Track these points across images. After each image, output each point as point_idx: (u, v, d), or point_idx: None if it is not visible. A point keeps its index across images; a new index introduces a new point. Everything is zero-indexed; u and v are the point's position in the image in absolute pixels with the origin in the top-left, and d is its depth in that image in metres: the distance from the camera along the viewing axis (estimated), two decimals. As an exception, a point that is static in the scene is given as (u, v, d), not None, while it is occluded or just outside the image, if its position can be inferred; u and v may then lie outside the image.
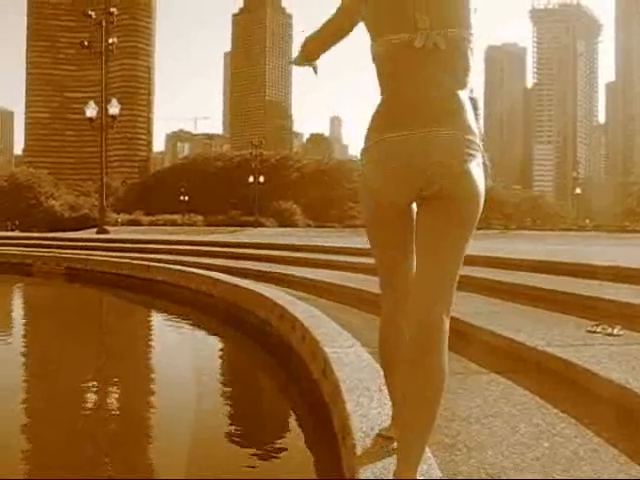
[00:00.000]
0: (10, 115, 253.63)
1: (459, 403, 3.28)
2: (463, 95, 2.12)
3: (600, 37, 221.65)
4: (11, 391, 5.54)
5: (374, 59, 2.22)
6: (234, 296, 9.11)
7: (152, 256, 15.56)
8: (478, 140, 2.11)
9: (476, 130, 2.12)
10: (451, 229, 2.09)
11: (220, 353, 7.89)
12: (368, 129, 2.19)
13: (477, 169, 2.08)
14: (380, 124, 2.15)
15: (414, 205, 2.23)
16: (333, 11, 2.41)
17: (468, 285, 7.29)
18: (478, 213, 2.12)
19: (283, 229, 43.87)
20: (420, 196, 2.11)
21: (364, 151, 2.22)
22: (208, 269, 11.89)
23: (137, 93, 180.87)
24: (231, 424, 4.75)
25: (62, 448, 4.20)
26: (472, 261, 9.51)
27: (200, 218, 58.54)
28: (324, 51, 2.54)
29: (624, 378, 3.24)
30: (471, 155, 2.06)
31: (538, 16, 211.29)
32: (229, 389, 5.93)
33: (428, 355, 2.02)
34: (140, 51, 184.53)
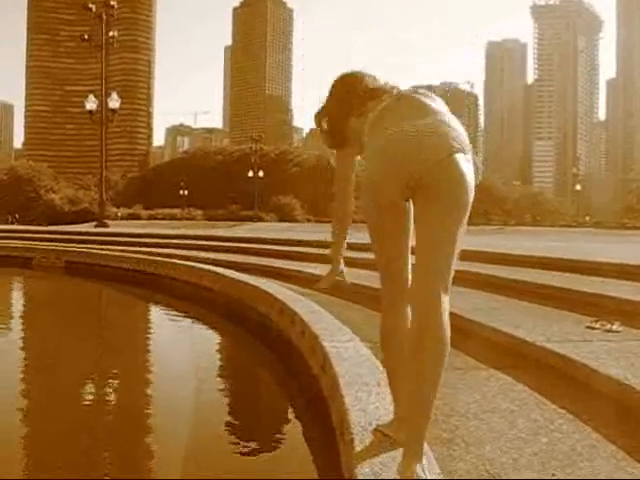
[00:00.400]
0: (10, 108, 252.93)
1: (458, 398, 3.29)
2: (437, 103, 2.32)
3: (601, 33, 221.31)
4: (10, 384, 5.55)
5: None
6: (235, 291, 9.11)
7: (152, 250, 15.55)
8: (465, 138, 2.21)
9: (461, 130, 2.23)
10: (439, 213, 2.20)
11: (220, 347, 7.90)
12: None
13: (465, 162, 2.19)
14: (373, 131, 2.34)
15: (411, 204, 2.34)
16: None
17: (468, 281, 7.30)
18: (466, 200, 2.22)
19: (283, 224, 43.83)
20: (413, 184, 2.20)
21: (367, 147, 2.33)
22: (208, 263, 11.89)
23: (137, 87, 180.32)
24: (230, 418, 4.76)
25: (60, 441, 4.21)
26: (472, 257, 9.52)
27: (200, 212, 58.40)
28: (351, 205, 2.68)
29: (623, 374, 3.24)
30: (457, 147, 2.17)
31: (539, 12, 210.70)
32: (228, 383, 5.94)
33: (429, 329, 2.14)
34: (140, 45, 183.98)
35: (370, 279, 7.12)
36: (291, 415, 4.73)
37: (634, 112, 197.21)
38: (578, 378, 3.49)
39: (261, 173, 56.58)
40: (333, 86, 2.59)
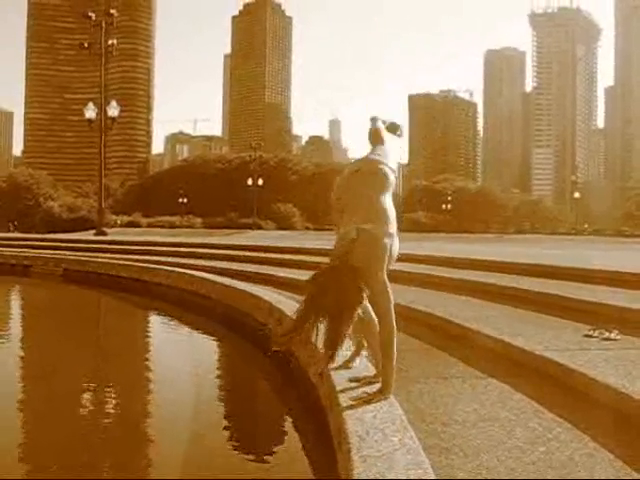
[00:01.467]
0: (9, 116, 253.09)
1: (456, 407, 3.28)
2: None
3: (599, 42, 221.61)
4: (9, 392, 5.54)
5: None
6: (232, 299, 9.10)
7: (150, 258, 15.54)
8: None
9: None
10: None
11: (218, 356, 7.88)
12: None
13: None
14: None
15: None
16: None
17: (465, 289, 7.30)
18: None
19: (282, 232, 43.84)
20: None
21: None
22: (207, 272, 11.88)
23: (136, 94, 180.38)
24: (228, 426, 4.75)
25: (60, 449, 4.20)
26: (469, 265, 9.52)
27: (199, 220, 58.45)
28: None
29: (621, 383, 3.24)
30: None
31: (537, 20, 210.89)
32: (227, 391, 5.92)
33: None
34: (140, 53, 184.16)
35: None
36: (290, 423, 4.72)
37: (632, 120, 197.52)
38: (576, 387, 3.49)
39: (260, 181, 56.58)
40: None
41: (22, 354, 7.70)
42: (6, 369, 6.65)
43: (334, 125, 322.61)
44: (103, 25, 29.05)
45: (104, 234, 27.62)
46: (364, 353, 3.93)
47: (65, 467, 3.86)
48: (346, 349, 3.98)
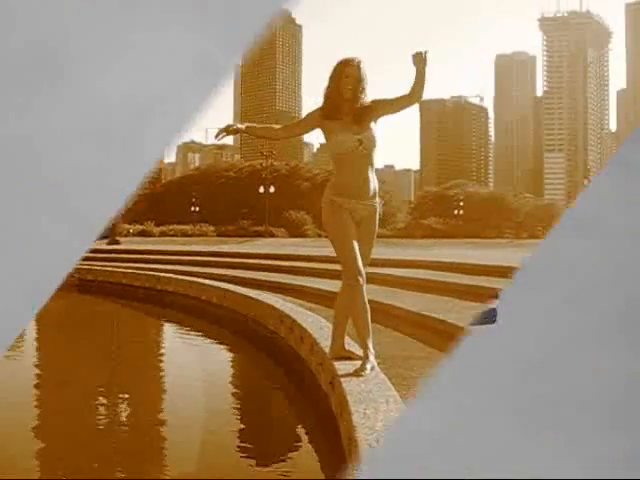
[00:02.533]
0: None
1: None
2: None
3: (610, 45, 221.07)
4: (29, 400, 5.59)
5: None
6: (243, 307, 9.13)
7: (163, 267, 15.62)
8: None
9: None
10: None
11: (229, 363, 7.91)
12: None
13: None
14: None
15: None
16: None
17: (473, 294, 7.29)
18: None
19: (294, 239, 43.90)
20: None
21: None
22: (221, 280, 11.93)
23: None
24: (238, 434, 4.77)
25: (73, 461, 4.23)
26: (484, 271, 9.51)
27: (211, 228, 58.60)
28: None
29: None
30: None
31: (548, 24, 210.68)
32: (239, 399, 5.95)
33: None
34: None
35: (384, 294, 7.13)
36: (301, 431, 4.74)
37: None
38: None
39: (272, 189, 56.68)
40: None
41: (41, 363, 7.76)
42: (26, 378, 6.70)
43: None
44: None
45: (117, 243, 27.79)
46: (373, 360, 3.94)
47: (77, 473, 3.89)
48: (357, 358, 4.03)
